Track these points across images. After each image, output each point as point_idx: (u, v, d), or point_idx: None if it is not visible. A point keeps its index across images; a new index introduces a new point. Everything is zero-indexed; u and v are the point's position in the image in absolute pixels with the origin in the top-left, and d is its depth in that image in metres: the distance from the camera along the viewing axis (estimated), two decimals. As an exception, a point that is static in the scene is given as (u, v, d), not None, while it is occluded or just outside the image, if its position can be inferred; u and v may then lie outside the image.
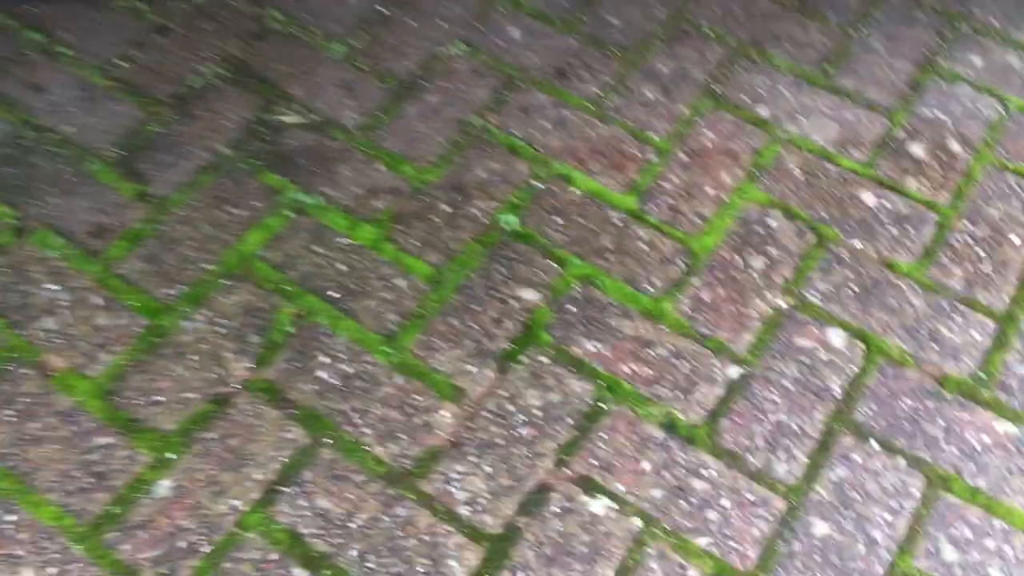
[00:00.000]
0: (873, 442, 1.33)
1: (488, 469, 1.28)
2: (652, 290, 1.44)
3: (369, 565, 1.21)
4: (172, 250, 1.44)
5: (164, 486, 1.25)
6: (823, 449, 1.32)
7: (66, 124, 1.55)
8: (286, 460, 1.27)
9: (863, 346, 1.41)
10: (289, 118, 1.60)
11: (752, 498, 1.28)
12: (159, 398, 1.31)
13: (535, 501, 1.27)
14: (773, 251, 1.49)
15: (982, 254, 1.50)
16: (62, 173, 1.50)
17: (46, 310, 1.37)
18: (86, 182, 1.49)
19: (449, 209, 1.51)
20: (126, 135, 1.55)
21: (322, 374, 1.35)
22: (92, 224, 1.45)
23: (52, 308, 1.37)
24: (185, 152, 1.54)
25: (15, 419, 1.28)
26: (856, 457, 1.32)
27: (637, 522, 1.25)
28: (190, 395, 1.32)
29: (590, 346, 1.39)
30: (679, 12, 1.76)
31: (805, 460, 1.31)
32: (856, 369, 1.39)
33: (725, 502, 1.27)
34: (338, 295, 1.42)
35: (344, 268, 1.44)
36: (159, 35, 1.67)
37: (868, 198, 1.55)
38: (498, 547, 1.23)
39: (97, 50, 1.64)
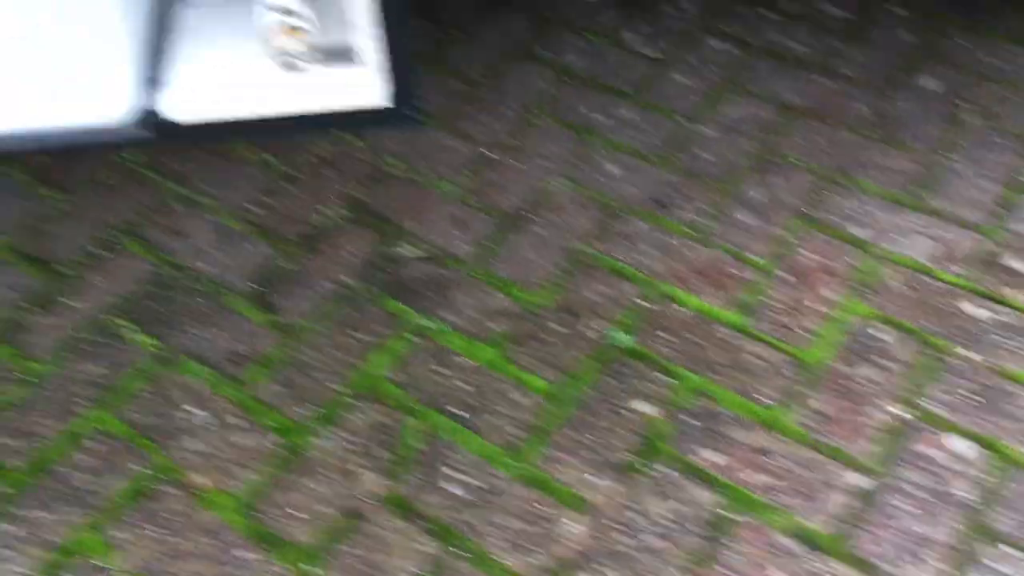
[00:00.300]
0: (1010, 548, 1.30)
1: (619, 579, 1.28)
2: (767, 401, 1.47)
3: (507, 677, 1.20)
4: (304, 373, 1.52)
5: (302, 599, 1.27)
6: (959, 556, 1.29)
7: (204, 263, 1.68)
8: (419, 571, 1.29)
9: (989, 453, 1.40)
10: (407, 251, 1.71)
11: (891, 607, 1.25)
12: (297, 513, 1.36)
13: (669, 611, 1.26)
14: (885, 362, 1.51)
15: (1097, 359, 1.50)
16: (201, 306, 1.62)
17: (189, 432, 1.45)
18: (223, 314, 1.60)
19: (562, 329, 1.58)
20: (259, 271, 1.67)
21: (450, 487, 1.38)
22: (230, 351, 1.55)
23: (195, 430, 1.45)
24: (313, 284, 1.65)
25: (162, 535, 1.33)
26: (994, 564, 1.29)
27: (775, 632, 1.23)
28: (326, 509, 1.36)
29: (711, 456, 1.41)
30: (766, 145, 1.87)
31: (942, 567, 1.29)
32: (985, 476, 1.37)
33: (864, 611, 1.25)
34: (461, 412, 1.47)
35: (465, 386, 1.50)
36: (286, 182, 1.82)
37: (972, 309, 1.58)
38: (634, 659, 1.22)
39: (232, 198, 1.79)
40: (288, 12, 1.12)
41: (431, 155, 1.87)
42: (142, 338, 1.57)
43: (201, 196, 1.80)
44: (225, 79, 1.14)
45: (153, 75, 1.12)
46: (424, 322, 1.59)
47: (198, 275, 1.66)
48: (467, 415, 1.47)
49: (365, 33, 1.10)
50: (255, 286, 1.65)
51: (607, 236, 1.72)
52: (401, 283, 1.65)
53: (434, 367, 1.53)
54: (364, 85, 1.13)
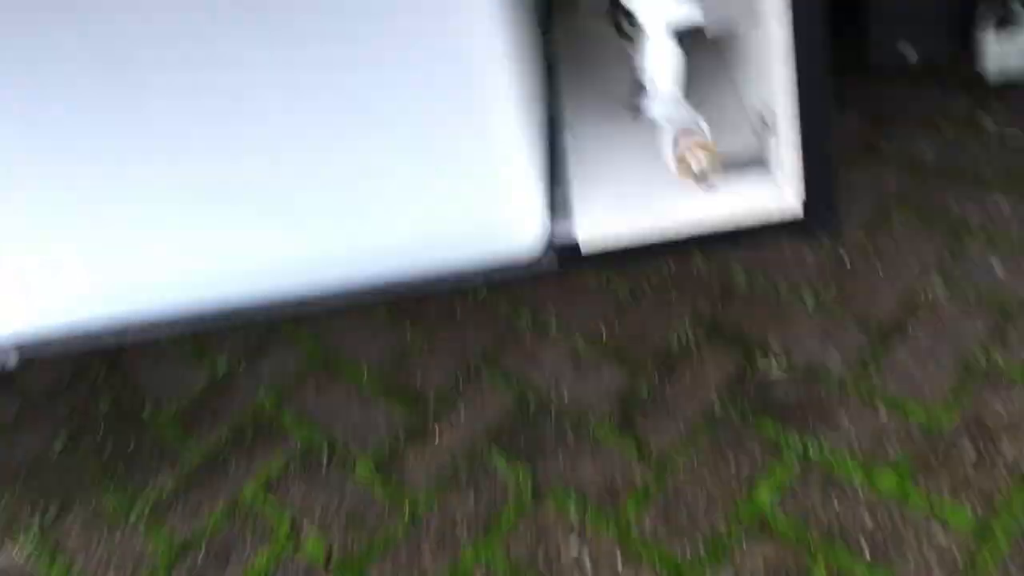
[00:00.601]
0: None
1: None
2: None
3: None
4: (683, 506, 1.42)
5: None
6: None
7: (563, 390, 1.66)
8: None
9: None
10: (773, 369, 1.59)
11: None
12: (701, 664, 1.23)
13: None
14: None
15: None
16: (568, 435, 1.58)
17: (572, 568, 1.38)
18: (591, 442, 1.55)
19: (975, 450, 1.38)
20: (619, 397, 1.62)
21: (876, 640, 1.21)
22: (601, 483, 1.49)
23: (578, 567, 1.38)
24: (678, 409, 1.57)
25: None
26: None
27: None
28: (734, 661, 1.23)
29: None
30: None
31: None
32: None
33: None
34: (871, 550, 1.30)
35: (870, 519, 1.33)
36: (633, 305, 1.78)
37: None
38: None
39: (580, 323, 1.77)
40: (691, 128, 1.08)
41: (782, 264, 1.76)
42: (514, 469, 1.55)
43: (550, 322, 1.79)
44: (628, 203, 1.12)
45: (554, 206, 1.11)
46: (808, 446, 1.45)
47: (560, 402, 1.64)
48: (879, 554, 1.29)
49: (780, 140, 1.04)
50: (618, 412, 1.59)
51: (1008, 341, 1.51)
52: (773, 404, 1.53)
53: (828, 497, 1.38)
54: (778, 195, 1.06)
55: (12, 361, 1.21)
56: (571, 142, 1.17)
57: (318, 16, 0.88)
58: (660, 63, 1.04)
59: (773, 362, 1.60)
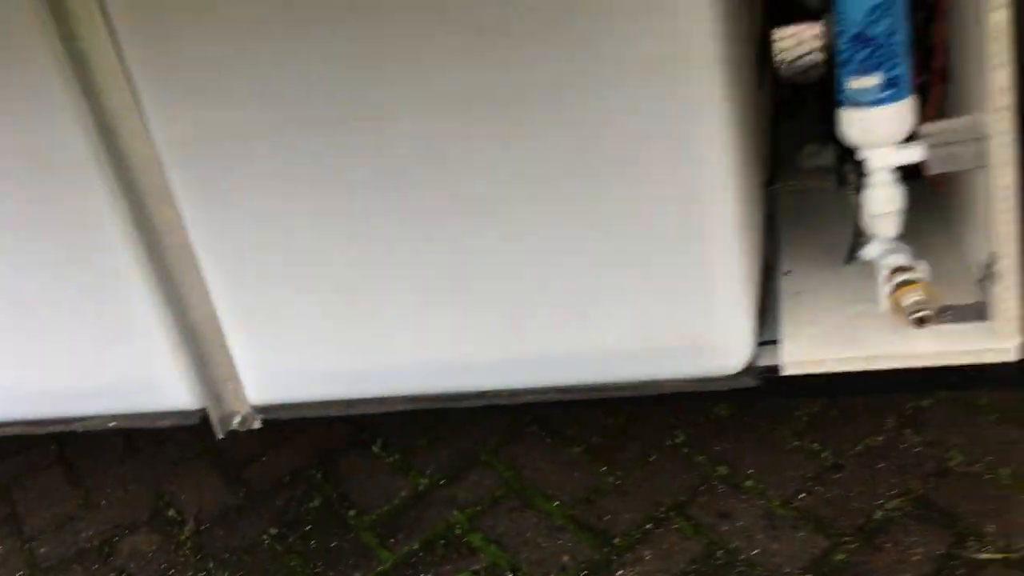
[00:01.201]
0: None
1: None
2: None
3: None
4: None
5: None
6: None
7: (753, 548, 1.62)
8: None
9: None
10: (987, 554, 1.48)
11: None
12: None
13: None
14: None
15: None
16: (754, 593, 1.53)
17: None
18: (779, 603, 1.49)
19: None
20: (812, 561, 1.56)
21: None
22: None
23: None
24: (876, 582, 1.48)
25: None
26: None
27: None
28: None
29: None
30: None
31: None
32: None
33: None
34: None
35: None
36: (835, 472, 1.73)
37: None
38: None
39: (777, 484, 1.74)
40: (906, 268, 1.11)
41: (1000, 450, 1.67)
42: (695, 619, 1.51)
43: (745, 479, 1.77)
44: (833, 335, 1.15)
45: (761, 334, 1.16)
46: (1025, 641, 1.32)
47: (750, 561, 1.59)
48: None
49: (1003, 286, 1.05)
50: (810, 577, 1.53)
51: None
52: (986, 591, 1.42)
53: None
54: (991, 341, 1.06)
55: (253, 424, 1.37)
56: (786, 284, 1.23)
57: (575, 142, 1.02)
58: (882, 205, 1.09)
59: (991, 549, 1.49)
